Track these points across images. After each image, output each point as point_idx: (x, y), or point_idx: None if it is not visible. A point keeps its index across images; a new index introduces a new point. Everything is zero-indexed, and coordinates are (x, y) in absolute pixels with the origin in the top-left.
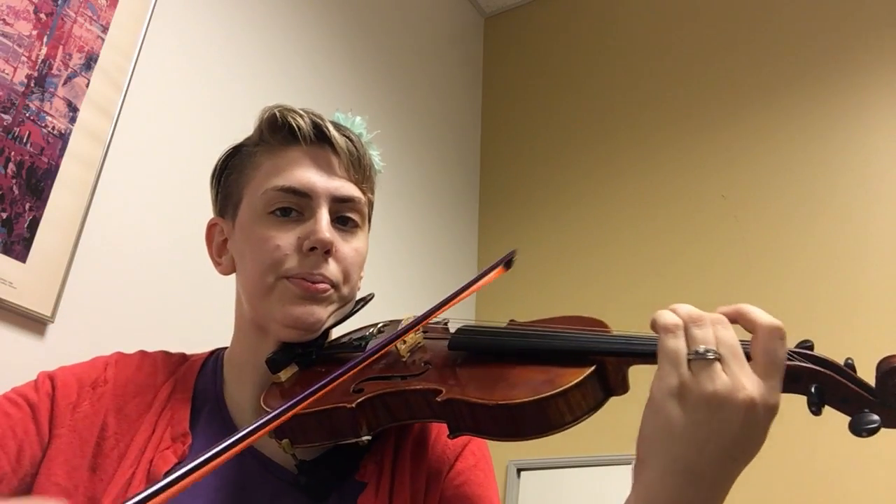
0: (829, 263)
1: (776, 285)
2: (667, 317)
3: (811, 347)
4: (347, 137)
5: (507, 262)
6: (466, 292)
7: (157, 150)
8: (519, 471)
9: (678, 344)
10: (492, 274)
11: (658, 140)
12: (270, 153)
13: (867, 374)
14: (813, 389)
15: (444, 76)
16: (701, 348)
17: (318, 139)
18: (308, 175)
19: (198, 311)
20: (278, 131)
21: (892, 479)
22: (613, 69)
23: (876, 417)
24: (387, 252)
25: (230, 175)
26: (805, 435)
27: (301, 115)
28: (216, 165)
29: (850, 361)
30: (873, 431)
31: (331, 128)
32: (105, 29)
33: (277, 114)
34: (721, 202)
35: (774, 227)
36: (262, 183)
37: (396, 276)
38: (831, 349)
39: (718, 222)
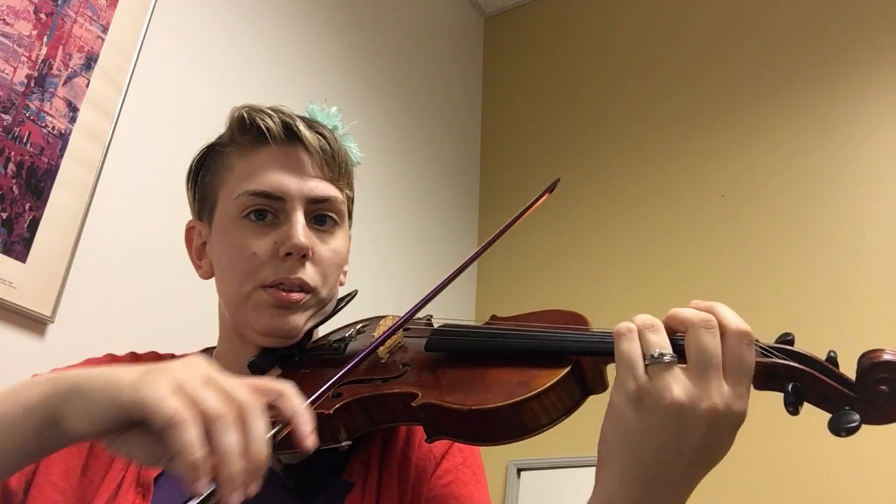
0: (828, 263)
1: (776, 285)
2: (621, 324)
3: (791, 341)
4: (320, 134)
5: (552, 188)
6: (514, 224)
7: (157, 150)
8: (519, 471)
9: (631, 346)
10: (539, 202)
11: (658, 140)
12: (242, 155)
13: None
14: (790, 388)
15: (444, 76)
16: (656, 352)
17: (289, 138)
18: (280, 177)
19: (198, 311)
20: (247, 132)
21: (890, 478)
22: (613, 69)
23: (856, 416)
24: (387, 252)
25: (205, 177)
26: (800, 436)
27: (270, 115)
28: (191, 166)
29: (832, 355)
30: (853, 431)
31: (301, 126)
32: (105, 29)
33: (245, 115)
34: (721, 202)
35: (774, 226)
36: (235, 187)
37: (396, 276)
38: (830, 349)
39: (718, 222)
